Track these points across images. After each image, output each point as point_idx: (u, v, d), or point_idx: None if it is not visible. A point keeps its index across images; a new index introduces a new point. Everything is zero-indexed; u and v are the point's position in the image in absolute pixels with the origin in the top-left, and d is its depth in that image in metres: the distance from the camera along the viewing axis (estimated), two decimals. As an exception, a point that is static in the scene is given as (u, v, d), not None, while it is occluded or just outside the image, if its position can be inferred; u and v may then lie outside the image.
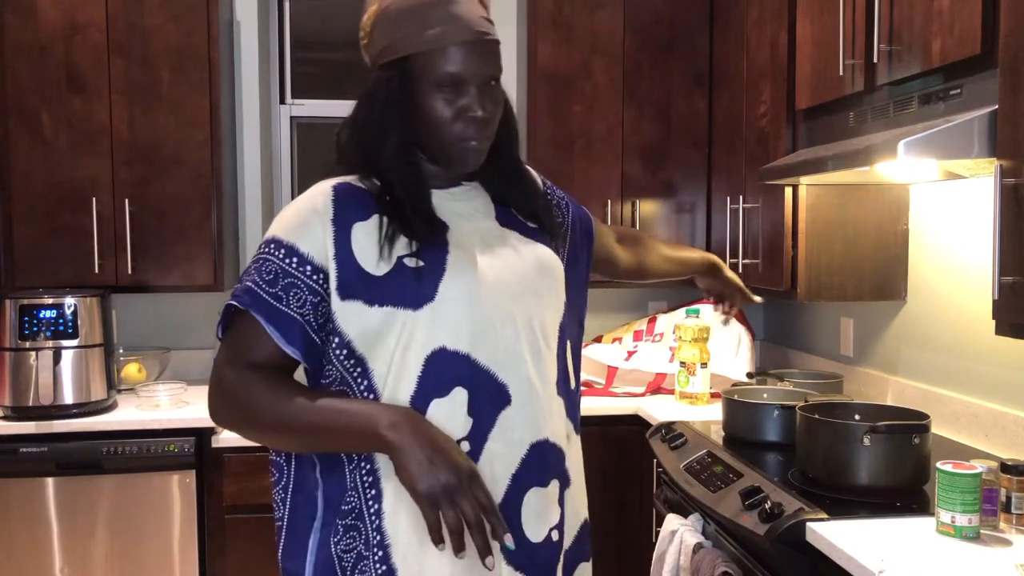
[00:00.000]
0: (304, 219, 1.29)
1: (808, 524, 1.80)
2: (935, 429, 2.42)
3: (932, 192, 2.55)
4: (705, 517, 2.23)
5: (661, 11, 3.32)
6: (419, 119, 1.31)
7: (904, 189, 2.65)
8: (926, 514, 1.84)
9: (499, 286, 1.31)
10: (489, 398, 1.28)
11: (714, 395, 3.07)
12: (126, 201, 3.08)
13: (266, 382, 1.26)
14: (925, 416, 2.01)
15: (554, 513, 1.34)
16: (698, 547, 2.14)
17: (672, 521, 2.32)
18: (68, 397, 2.83)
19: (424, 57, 1.28)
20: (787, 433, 2.35)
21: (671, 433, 2.61)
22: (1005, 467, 1.76)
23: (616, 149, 3.34)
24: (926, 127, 1.82)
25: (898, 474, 1.94)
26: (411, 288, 1.27)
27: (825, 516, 1.83)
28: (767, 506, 1.90)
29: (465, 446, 1.27)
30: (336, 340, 1.28)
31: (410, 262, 1.27)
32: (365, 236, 1.28)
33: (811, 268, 2.63)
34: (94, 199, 3.06)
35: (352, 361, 1.29)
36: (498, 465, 1.29)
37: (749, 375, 3.09)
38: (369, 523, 1.27)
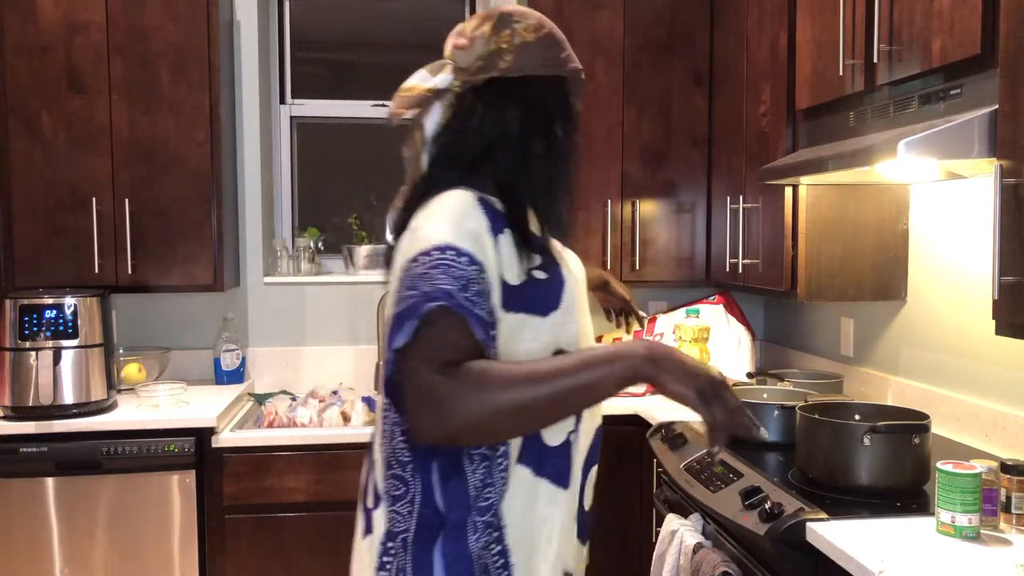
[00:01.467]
0: (470, 229, 1.30)
1: (808, 524, 1.80)
2: (935, 429, 2.42)
3: (932, 192, 2.55)
4: (705, 517, 2.23)
5: (661, 11, 3.32)
6: (568, 138, 1.43)
7: (904, 189, 2.65)
8: (926, 514, 1.84)
9: (581, 297, 1.46)
10: None
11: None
12: (126, 201, 3.08)
13: (495, 368, 1.22)
14: (925, 416, 2.01)
15: (591, 490, 1.50)
16: (698, 547, 2.14)
17: (672, 521, 2.32)
18: (68, 397, 2.83)
19: (565, 81, 1.43)
20: (787, 433, 2.35)
21: (671, 433, 2.61)
22: (1005, 467, 1.76)
23: (616, 149, 3.34)
24: (926, 127, 1.82)
25: (898, 474, 1.94)
26: (541, 297, 1.36)
27: (825, 516, 1.83)
28: (767, 506, 1.89)
29: (570, 438, 1.39)
30: (495, 343, 1.32)
31: (539, 274, 1.37)
32: (506, 247, 1.33)
33: (811, 268, 2.63)
34: (94, 199, 3.06)
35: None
36: (580, 454, 1.42)
37: (749, 375, 3.10)
38: (489, 516, 1.34)
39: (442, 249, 1.27)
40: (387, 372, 1.32)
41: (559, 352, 1.36)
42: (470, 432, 1.21)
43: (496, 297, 1.30)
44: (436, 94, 1.42)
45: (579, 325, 1.42)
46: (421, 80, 1.43)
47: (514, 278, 1.33)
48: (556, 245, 1.46)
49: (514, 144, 1.38)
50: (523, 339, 1.34)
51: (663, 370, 1.21)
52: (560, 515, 1.38)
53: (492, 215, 1.34)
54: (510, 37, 1.39)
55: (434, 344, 1.22)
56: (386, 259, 1.45)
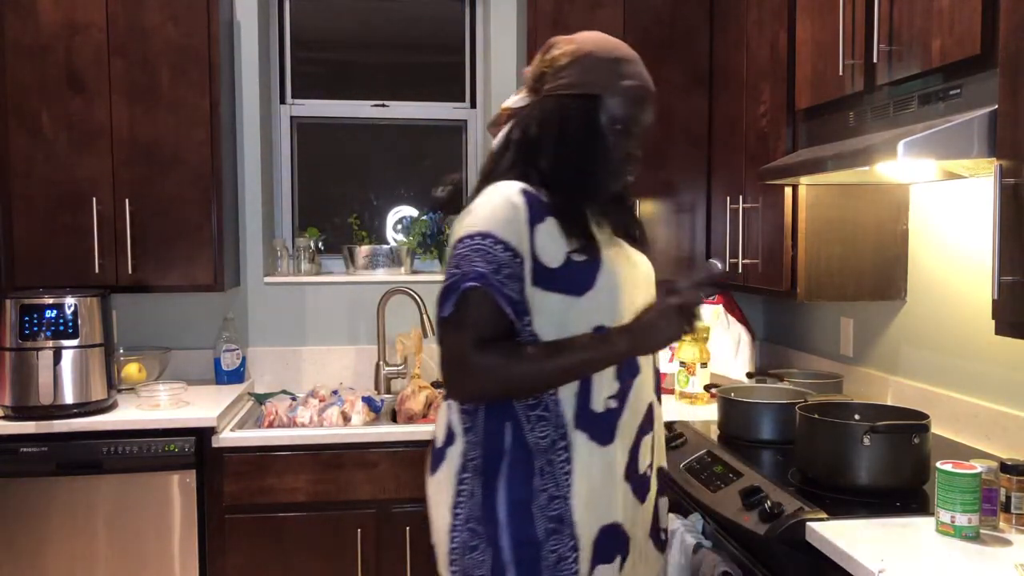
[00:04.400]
0: (510, 217, 1.54)
1: (808, 524, 1.80)
2: (935, 429, 2.42)
3: (932, 192, 2.55)
4: (705, 517, 2.23)
5: (661, 11, 3.32)
6: (596, 149, 1.64)
7: (904, 189, 2.65)
8: (926, 514, 1.84)
9: (630, 280, 1.65)
10: (629, 368, 1.62)
11: (713, 395, 3.07)
12: (126, 201, 3.08)
13: (517, 348, 1.54)
14: (925, 416, 2.01)
15: (650, 456, 1.69)
16: (698, 547, 2.14)
17: (672, 521, 2.32)
18: (68, 397, 2.83)
19: (614, 101, 1.62)
20: (786, 432, 2.35)
21: (671, 433, 2.62)
22: (1005, 467, 1.77)
23: (616, 149, 3.33)
24: (926, 127, 1.82)
25: (898, 474, 1.95)
26: (578, 279, 1.57)
27: (825, 516, 1.83)
28: (767, 506, 1.90)
29: (613, 403, 1.59)
30: (526, 319, 1.56)
31: (577, 257, 1.57)
32: (545, 235, 1.56)
33: (811, 268, 2.63)
34: (94, 199, 3.06)
35: (531, 336, 1.57)
36: (632, 419, 1.62)
37: (749, 375, 3.09)
38: (559, 470, 1.56)
39: (482, 235, 1.52)
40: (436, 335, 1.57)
41: (599, 328, 1.57)
42: (483, 398, 1.57)
43: (529, 280, 1.54)
44: (513, 113, 1.70)
45: (623, 305, 1.60)
46: (508, 102, 1.72)
47: (553, 262, 1.56)
48: (616, 241, 1.69)
49: (554, 146, 1.62)
50: (567, 319, 1.56)
51: (647, 342, 1.56)
52: (598, 469, 1.57)
53: (535, 204, 1.57)
54: (551, 62, 1.66)
55: (470, 319, 1.51)
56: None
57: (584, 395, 1.58)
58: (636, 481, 1.64)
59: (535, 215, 1.56)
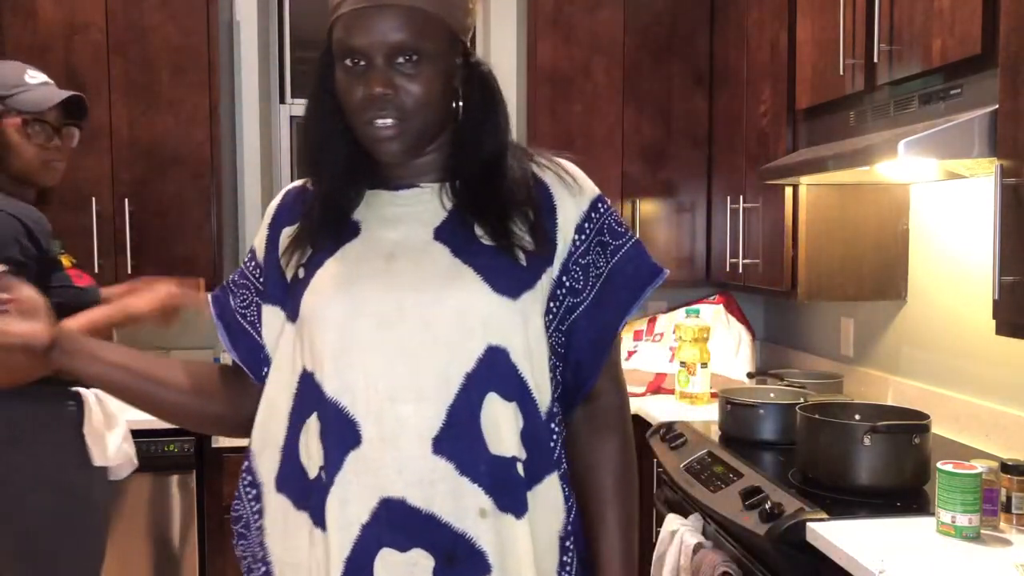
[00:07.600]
0: (263, 222, 1.27)
1: (808, 524, 1.80)
2: (935, 429, 2.42)
3: (932, 192, 2.55)
4: (705, 517, 2.23)
5: (661, 11, 3.31)
6: (317, 102, 1.17)
7: (904, 189, 2.65)
8: (926, 514, 1.84)
9: (366, 311, 1.12)
10: (338, 433, 1.11)
11: (714, 395, 3.07)
12: (126, 201, 3.08)
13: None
14: (925, 416, 2.01)
15: None
16: (698, 547, 2.14)
17: (672, 521, 2.32)
18: (68, 397, 2.82)
19: (333, 29, 1.11)
20: (787, 433, 2.35)
21: (671, 433, 2.61)
22: (1005, 467, 1.76)
23: (616, 149, 3.34)
24: (926, 127, 1.82)
25: (898, 474, 1.94)
26: (295, 300, 1.18)
27: (825, 516, 1.83)
28: (767, 506, 1.89)
29: (323, 476, 1.13)
30: (262, 339, 1.25)
31: (300, 272, 1.18)
32: (287, 239, 1.22)
33: (811, 268, 2.63)
34: (94, 199, 3.06)
35: (268, 367, 1.24)
36: (350, 508, 1.11)
37: (749, 375, 3.09)
38: (255, 535, 1.30)
39: None
40: None
41: (305, 375, 1.16)
42: None
43: (256, 290, 1.25)
44: None
45: (333, 349, 1.12)
46: None
47: (288, 273, 1.20)
48: (422, 247, 1.14)
49: (304, 125, 1.22)
50: (281, 346, 1.21)
51: None
52: (322, 563, 1.13)
53: (293, 205, 1.24)
54: None
55: None
56: None
57: (291, 445, 1.16)
58: None
59: (287, 217, 1.22)
